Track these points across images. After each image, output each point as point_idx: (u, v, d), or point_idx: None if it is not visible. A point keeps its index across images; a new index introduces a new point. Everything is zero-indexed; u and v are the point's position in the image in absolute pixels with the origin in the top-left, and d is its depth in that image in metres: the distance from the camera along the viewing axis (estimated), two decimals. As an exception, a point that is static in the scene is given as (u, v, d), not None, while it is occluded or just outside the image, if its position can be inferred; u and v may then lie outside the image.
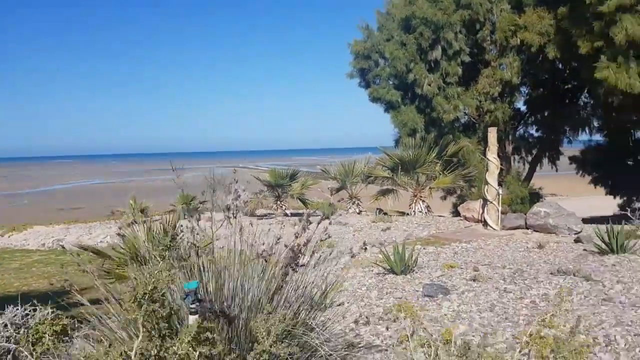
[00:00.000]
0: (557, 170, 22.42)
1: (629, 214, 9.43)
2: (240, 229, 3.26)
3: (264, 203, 18.55)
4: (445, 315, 5.41)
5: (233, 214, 3.29)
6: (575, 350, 2.56)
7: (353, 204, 17.56)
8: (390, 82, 19.55)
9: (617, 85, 12.97)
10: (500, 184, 20.61)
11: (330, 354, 2.96)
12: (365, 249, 11.05)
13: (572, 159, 25.44)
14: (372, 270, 7.97)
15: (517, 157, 21.61)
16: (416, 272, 7.53)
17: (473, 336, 4.61)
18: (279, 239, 3.47)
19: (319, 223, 3.44)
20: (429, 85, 17.43)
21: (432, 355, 2.64)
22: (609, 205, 22.03)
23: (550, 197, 39.75)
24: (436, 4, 16.95)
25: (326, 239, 3.40)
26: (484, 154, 14.78)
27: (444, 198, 21.05)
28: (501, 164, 20.59)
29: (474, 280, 6.77)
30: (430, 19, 16.67)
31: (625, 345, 4.28)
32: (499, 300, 5.85)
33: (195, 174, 29.72)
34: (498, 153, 21.19)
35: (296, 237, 3.05)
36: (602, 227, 8.25)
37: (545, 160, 21.88)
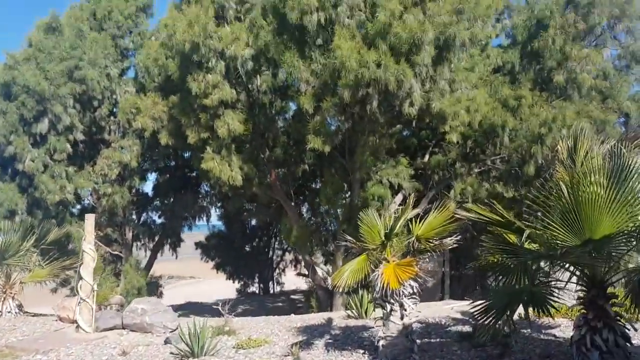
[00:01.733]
0: (177, 257, 22.40)
1: (219, 308, 9.16)
2: None
3: None
4: None
5: None
6: None
7: None
8: (-14, 155, 16.41)
9: (222, 177, 13.47)
10: (117, 274, 19.25)
11: None
12: None
13: (198, 244, 26.16)
14: None
15: (138, 243, 20.68)
16: None
17: None
18: None
19: None
20: (32, 161, 15.15)
21: None
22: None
23: (187, 279, 40.08)
24: (43, 73, 15.12)
25: None
26: (100, 241, 13.23)
27: (54, 291, 18.39)
28: (120, 252, 19.37)
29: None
30: (34, 88, 14.72)
31: None
32: None
33: None
34: (117, 240, 20.03)
35: None
36: (196, 322, 7.57)
37: (167, 247, 21.60)
